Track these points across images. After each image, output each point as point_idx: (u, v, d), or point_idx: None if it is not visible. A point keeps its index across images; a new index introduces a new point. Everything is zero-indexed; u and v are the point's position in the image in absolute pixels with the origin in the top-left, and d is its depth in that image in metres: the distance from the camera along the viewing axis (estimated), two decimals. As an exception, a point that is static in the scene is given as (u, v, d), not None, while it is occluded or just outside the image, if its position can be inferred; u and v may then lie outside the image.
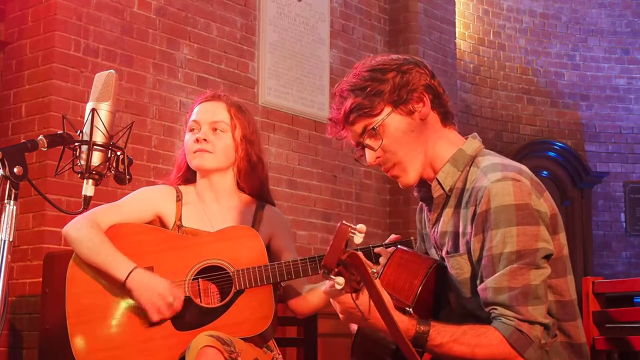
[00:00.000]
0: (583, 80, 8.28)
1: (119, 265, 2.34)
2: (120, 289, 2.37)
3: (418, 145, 1.92)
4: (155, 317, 2.31)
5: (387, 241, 2.30)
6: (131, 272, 2.33)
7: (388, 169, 1.95)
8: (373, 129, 1.89)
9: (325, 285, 1.76)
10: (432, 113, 1.93)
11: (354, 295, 1.66)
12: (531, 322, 1.74)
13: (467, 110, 7.50)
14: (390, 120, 1.89)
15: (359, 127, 1.92)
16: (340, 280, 1.57)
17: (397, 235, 2.33)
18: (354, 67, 1.97)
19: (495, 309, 1.76)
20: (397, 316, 1.72)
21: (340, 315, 1.77)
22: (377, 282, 1.65)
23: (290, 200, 5.45)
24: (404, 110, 1.89)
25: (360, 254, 1.58)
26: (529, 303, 1.74)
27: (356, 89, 1.90)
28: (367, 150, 1.93)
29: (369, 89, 1.89)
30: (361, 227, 1.57)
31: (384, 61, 1.94)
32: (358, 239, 1.57)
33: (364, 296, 1.66)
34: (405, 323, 1.73)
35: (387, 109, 1.89)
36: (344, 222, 1.57)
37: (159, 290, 2.31)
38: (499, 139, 7.74)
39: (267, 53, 5.44)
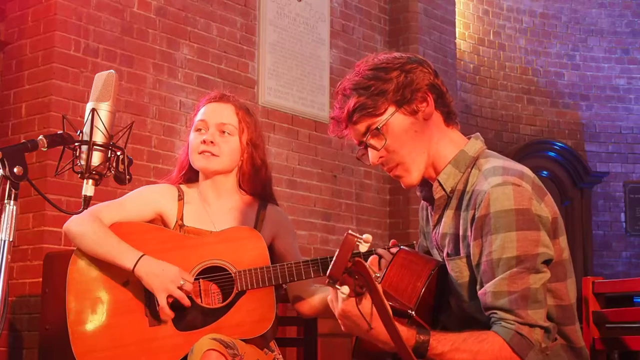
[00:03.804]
0: (583, 80, 8.28)
1: (125, 254, 2.34)
2: (123, 286, 2.37)
3: (421, 145, 1.90)
4: (164, 302, 2.29)
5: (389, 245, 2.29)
6: (139, 259, 2.32)
7: (391, 169, 1.94)
8: (377, 128, 1.88)
9: (330, 295, 1.76)
10: (436, 113, 1.92)
11: (357, 299, 1.65)
12: (531, 326, 1.73)
13: (467, 110, 7.50)
14: (394, 120, 1.88)
15: (362, 127, 1.90)
16: (345, 289, 1.57)
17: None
18: (357, 65, 1.95)
19: (495, 313, 1.75)
20: (397, 325, 1.71)
21: (340, 321, 1.75)
22: (380, 287, 1.64)
23: (290, 200, 5.45)
24: (408, 110, 1.88)
25: (365, 262, 1.57)
26: (529, 307, 1.73)
27: (360, 88, 1.89)
28: (370, 150, 1.92)
29: (372, 88, 1.87)
30: (367, 237, 1.57)
31: (388, 60, 1.92)
32: (363, 248, 1.57)
33: (367, 302, 1.65)
34: (405, 332, 1.71)
35: (391, 109, 1.88)
36: (350, 232, 1.56)
37: (170, 275, 2.31)
38: (499, 139, 7.74)
39: (267, 53, 5.44)
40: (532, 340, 1.73)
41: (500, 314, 1.74)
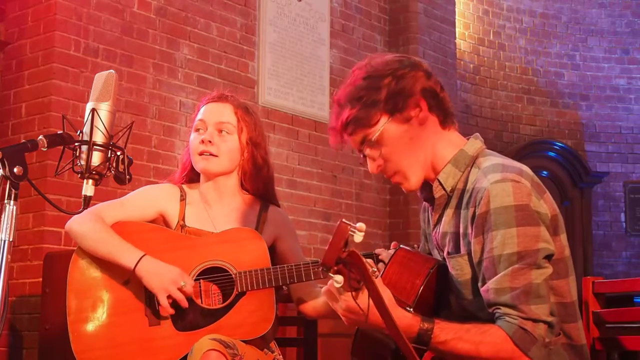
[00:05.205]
0: (583, 80, 8.28)
1: (127, 254, 2.34)
2: (123, 285, 2.37)
3: (418, 151, 1.91)
4: (165, 302, 2.29)
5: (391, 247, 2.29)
6: (140, 259, 2.32)
7: (390, 176, 1.96)
8: (372, 139, 1.90)
9: (325, 286, 1.76)
10: (431, 116, 1.92)
11: (353, 294, 1.66)
12: (535, 321, 1.74)
13: (467, 110, 7.50)
14: (388, 129, 1.89)
15: (358, 137, 1.92)
16: (339, 278, 1.58)
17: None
18: (352, 70, 1.96)
19: (499, 308, 1.76)
20: (401, 313, 1.73)
21: (343, 318, 1.77)
22: (378, 280, 1.66)
23: (290, 200, 5.45)
24: (401, 118, 1.89)
25: (359, 252, 1.58)
26: (531, 302, 1.74)
27: (352, 99, 1.90)
28: (368, 159, 1.94)
29: (364, 99, 1.88)
30: (361, 225, 1.57)
31: (379, 66, 1.92)
32: (358, 237, 1.56)
33: (364, 295, 1.66)
34: (409, 320, 1.73)
35: (384, 119, 1.89)
36: (343, 220, 1.57)
37: (170, 275, 2.30)
38: (499, 139, 7.75)
39: (267, 53, 5.44)
40: (536, 335, 1.73)
41: (504, 309, 1.75)
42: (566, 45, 8.27)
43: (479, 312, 1.83)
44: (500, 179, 1.79)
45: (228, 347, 2.19)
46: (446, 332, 1.74)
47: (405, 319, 1.73)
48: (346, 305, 1.71)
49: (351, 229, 1.55)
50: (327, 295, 1.76)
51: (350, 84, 1.93)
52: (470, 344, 1.73)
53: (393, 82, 1.88)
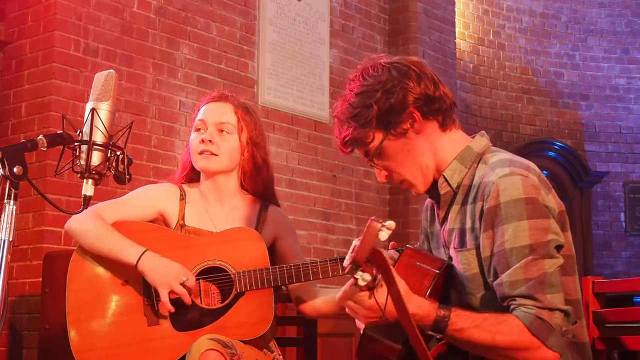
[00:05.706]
0: (583, 80, 8.28)
1: (129, 250, 2.34)
2: (123, 285, 2.37)
3: (419, 161, 1.93)
4: (166, 298, 2.29)
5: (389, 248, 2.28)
6: (142, 255, 2.32)
7: (398, 184, 2.00)
8: (372, 155, 1.93)
9: (342, 289, 1.75)
10: (428, 123, 1.91)
11: (369, 293, 1.66)
12: (551, 310, 1.74)
13: (467, 110, 7.50)
14: (386, 145, 1.91)
15: (360, 153, 1.97)
16: (367, 277, 1.57)
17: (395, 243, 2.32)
18: (349, 80, 1.97)
19: (514, 300, 1.76)
20: (418, 301, 1.73)
21: (363, 319, 1.76)
22: (397, 276, 1.65)
23: (290, 200, 5.45)
24: (396, 134, 1.90)
25: (382, 250, 1.57)
26: (547, 291, 1.74)
27: (348, 118, 1.92)
28: (375, 170, 1.98)
29: (358, 118, 1.90)
30: (390, 224, 1.57)
31: (371, 78, 1.91)
32: (384, 235, 1.56)
33: (380, 294, 1.66)
34: (427, 307, 1.74)
35: (380, 136, 1.91)
36: (373, 218, 1.57)
37: (173, 271, 2.31)
38: (499, 139, 7.74)
39: (267, 53, 5.44)
40: (553, 325, 1.73)
41: (520, 300, 1.75)
42: (566, 45, 8.27)
43: (484, 308, 1.83)
44: (509, 173, 1.80)
45: (227, 347, 2.19)
46: (463, 320, 1.74)
47: (423, 307, 1.73)
48: (367, 305, 1.70)
49: (381, 227, 1.55)
50: (343, 301, 1.75)
51: (346, 100, 1.95)
52: (488, 334, 1.73)
53: (383, 98, 1.88)
